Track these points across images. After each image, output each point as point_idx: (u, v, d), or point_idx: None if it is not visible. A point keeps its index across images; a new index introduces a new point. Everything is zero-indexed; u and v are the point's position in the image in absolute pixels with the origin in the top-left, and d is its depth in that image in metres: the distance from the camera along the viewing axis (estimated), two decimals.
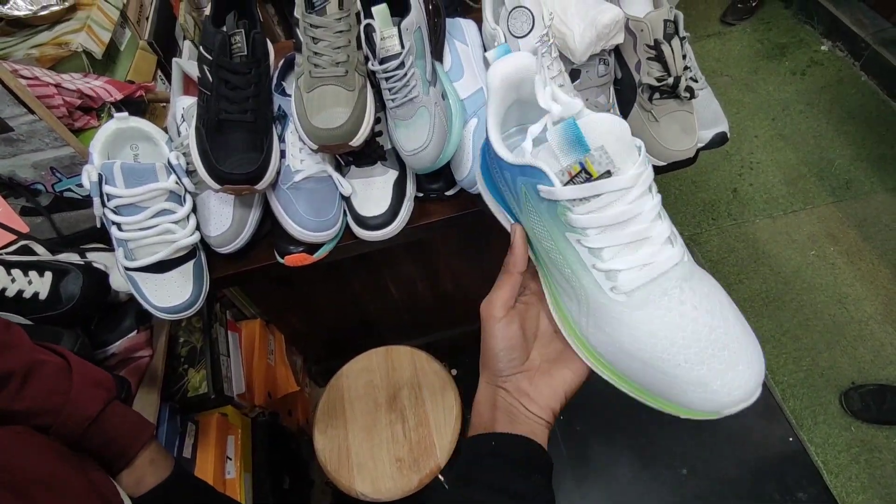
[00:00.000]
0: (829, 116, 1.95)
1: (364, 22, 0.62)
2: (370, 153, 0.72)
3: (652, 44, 0.70)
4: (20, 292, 0.64)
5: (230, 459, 0.97)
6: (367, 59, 0.64)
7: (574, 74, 0.72)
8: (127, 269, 0.66)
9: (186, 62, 0.77)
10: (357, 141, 0.63)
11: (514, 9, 0.68)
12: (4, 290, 0.63)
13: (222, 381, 1.02)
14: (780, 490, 1.31)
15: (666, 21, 0.69)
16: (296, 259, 0.72)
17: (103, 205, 0.64)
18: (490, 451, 0.40)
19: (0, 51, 0.84)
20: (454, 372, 1.23)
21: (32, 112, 0.69)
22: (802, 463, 1.34)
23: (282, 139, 0.70)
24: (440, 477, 1.04)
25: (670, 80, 0.69)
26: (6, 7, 0.86)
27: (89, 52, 0.86)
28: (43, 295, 0.66)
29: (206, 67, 0.64)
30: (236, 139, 0.65)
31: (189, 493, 0.58)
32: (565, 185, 0.35)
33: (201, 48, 0.64)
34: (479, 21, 0.80)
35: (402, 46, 0.62)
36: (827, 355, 1.48)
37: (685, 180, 1.89)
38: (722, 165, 1.91)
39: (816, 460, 1.34)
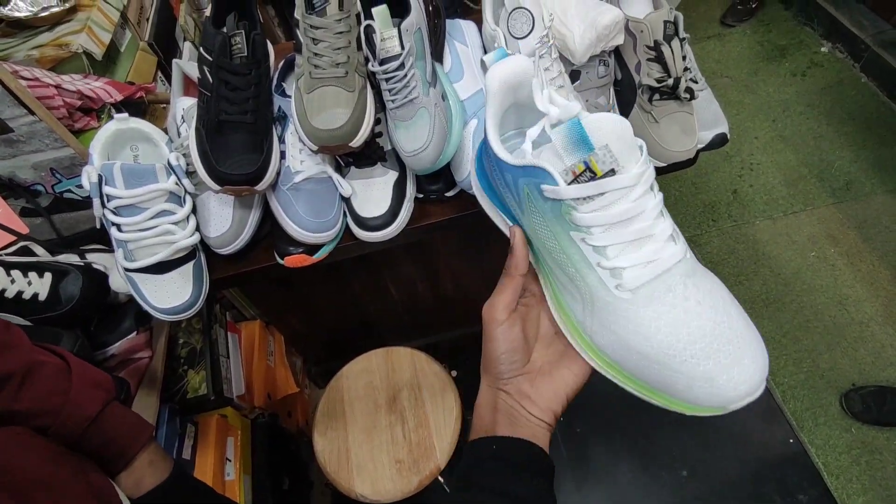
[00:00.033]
0: (830, 118, 1.95)
1: (364, 23, 0.62)
2: (370, 154, 0.72)
3: (652, 45, 0.70)
4: (20, 293, 0.64)
5: (230, 461, 0.97)
6: (367, 60, 0.64)
7: (574, 75, 0.72)
8: (126, 269, 0.66)
9: (186, 63, 0.77)
10: (357, 142, 0.63)
11: (513, 10, 0.68)
12: (4, 291, 0.63)
13: (222, 383, 1.01)
14: (781, 492, 1.31)
15: (666, 22, 0.69)
16: (295, 260, 0.72)
17: (103, 206, 0.64)
18: (491, 455, 0.40)
19: (0, 52, 0.84)
20: (454, 373, 1.23)
21: (32, 113, 0.69)
22: (803, 464, 1.34)
23: (282, 140, 0.70)
24: (440, 478, 1.03)
25: (670, 82, 0.69)
26: (7, 8, 0.87)
27: (89, 53, 0.86)
28: (42, 296, 0.66)
29: (206, 68, 0.64)
30: (236, 140, 0.65)
31: (188, 494, 0.58)
32: (569, 184, 0.35)
33: (201, 49, 0.64)
34: (479, 22, 0.80)
35: (402, 47, 0.62)
36: (827, 357, 1.48)
37: (685, 181, 1.89)
38: (722, 167, 1.91)
39: (817, 462, 1.33)
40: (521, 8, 0.67)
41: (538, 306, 0.45)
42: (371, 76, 0.66)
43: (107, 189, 0.63)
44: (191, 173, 0.69)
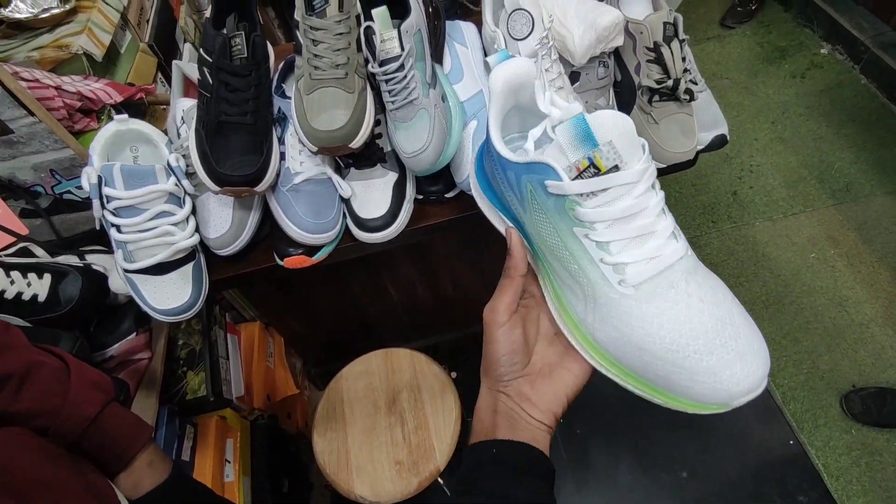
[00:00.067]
0: (829, 119, 1.95)
1: (364, 24, 0.62)
2: (370, 155, 0.72)
3: (651, 46, 0.70)
4: (19, 294, 0.64)
5: (229, 462, 0.97)
6: (366, 61, 0.65)
7: (574, 77, 0.72)
8: (126, 271, 0.66)
9: (186, 64, 0.77)
10: (357, 143, 0.63)
11: (513, 11, 0.68)
12: (3, 291, 0.63)
13: (221, 384, 1.01)
14: (781, 493, 1.31)
15: (665, 24, 0.69)
16: (295, 261, 0.72)
17: (103, 207, 0.64)
18: (491, 459, 0.40)
19: (1, 53, 0.84)
20: (454, 375, 1.23)
21: (32, 114, 0.69)
22: (803, 466, 1.34)
23: (281, 141, 0.71)
24: (439, 480, 1.03)
25: (670, 83, 0.69)
26: (7, 10, 0.87)
27: (90, 54, 0.86)
28: (42, 297, 0.66)
29: (206, 70, 0.64)
30: (236, 141, 0.65)
31: (187, 495, 0.58)
32: (573, 179, 0.35)
33: (201, 51, 0.64)
34: (478, 24, 0.80)
35: (402, 49, 0.62)
36: (827, 358, 1.48)
37: (685, 183, 1.89)
38: (722, 168, 1.91)
39: (817, 463, 1.33)
40: (520, 9, 0.67)
41: (538, 308, 0.45)
42: (371, 77, 0.66)
43: (106, 190, 0.63)
44: (190, 174, 0.69)
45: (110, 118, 0.81)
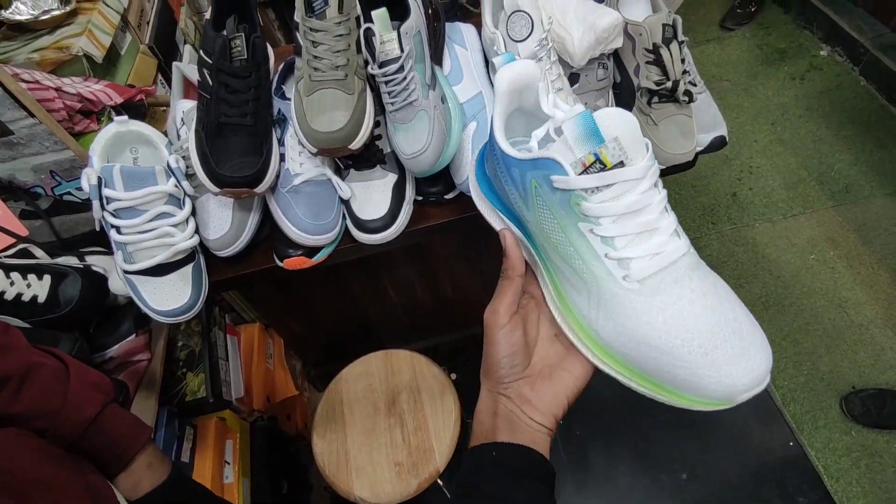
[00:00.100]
0: (829, 121, 1.95)
1: (364, 26, 0.62)
2: (369, 157, 0.72)
3: (650, 48, 0.70)
4: (19, 295, 0.64)
5: (228, 464, 0.97)
6: (366, 62, 0.65)
7: (573, 78, 0.72)
8: (126, 272, 0.66)
9: (187, 66, 0.77)
10: (356, 144, 0.63)
11: (512, 13, 0.68)
12: (3, 293, 0.63)
13: (221, 386, 1.01)
14: (781, 495, 1.30)
15: (664, 25, 0.69)
16: (295, 262, 0.72)
17: (102, 208, 0.64)
18: (491, 462, 0.40)
19: (1, 55, 0.84)
20: (454, 376, 1.23)
21: (33, 116, 0.69)
22: (803, 467, 1.34)
23: (281, 143, 0.71)
24: (439, 481, 1.03)
25: (669, 84, 0.70)
26: (8, 11, 0.87)
27: (90, 56, 0.86)
28: (41, 298, 0.66)
29: (206, 71, 0.64)
30: (236, 142, 0.65)
31: (186, 496, 0.58)
32: (579, 174, 0.36)
33: (201, 52, 0.64)
34: (478, 25, 0.80)
35: (402, 50, 0.62)
36: (827, 359, 1.47)
37: (685, 185, 1.89)
38: (721, 170, 1.91)
39: (817, 465, 1.33)
40: (520, 11, 0.67)
41: (537, 309, 0.45)
42: (370, 79, 0.66)
43: (106, 191, 0.63)
44: (190, 175, 0.69)
45: (110, 120, 0.81)
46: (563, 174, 0.36)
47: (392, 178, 0.73)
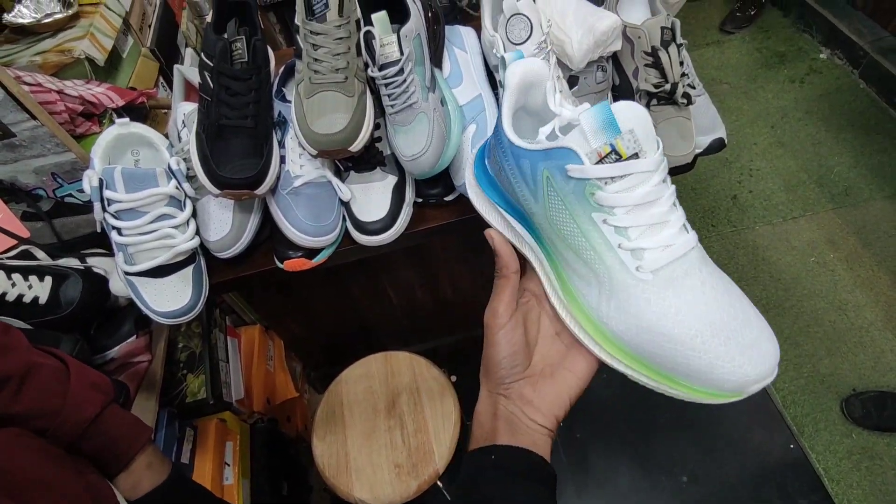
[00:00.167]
0: (828, 124, 1.96)
1: (364, 29, 0.63)
2: (369, 159, 0.72)
3: (649, 51, 0.70)
4: (20, 297, 0.64)
5: (228, 465, 0.97)
6: (366, 65, 0.65)
7: (572, 81, 0.73)
8: (126, 273, 0.67)
9: (188, 69, 0.77)
10: (356, 146, 0.64)
11: (512, 16, 0.68)
12: (5, 294, 0.63)
13: (221, 387, 1.02)
14: (781, 497, 1.30)
15: (663, 28, 0.69)
16: (295, 264, 0.72)
17: (104, 209, 0.64)
18: (491, 465, 0.40)
19: (4, 58, 0.85)
20: (454, 378, 1.23)
21: (35, 118, 0.69)
22: (803, 470, 1.33)
23: (282, 145, 0.71)
24: (439, 483, 1.03)
25: (667, 87, 0.70)
26: (11, 15, 0.87)
27: (92, 59, 0.87)
28: (43, 299, 0.66)
29: (207, 74, 0.64)
30: (236, 144, 0.65)
31: (186, 496, 0.58)
32: (595, 164, 0.36)
33: (203, 55, 0.65)
34: (478, 29, 0.81)
35: (402, 53, 0.63)
36: (827, 362, 1.47)
37: (685, 187, 1.90)
38: (721, 172, 1.91)
39: (817, 467, 1.33)
40: (519, 14, 0.68)
41: (538, 306, 0.45)
42: (370, 81, 0.67)
43: (107, 193, 0.64)
44: (191, 177, 0.69)
45: (112, 122, 0.81)
46: (579, 163, 0.36)
47: (392, 180, 0.73)
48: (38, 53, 0.85)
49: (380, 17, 0.62)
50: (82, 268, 0.73)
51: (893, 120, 1.92)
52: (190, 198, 0.70)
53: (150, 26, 1.10)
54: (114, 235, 0.65)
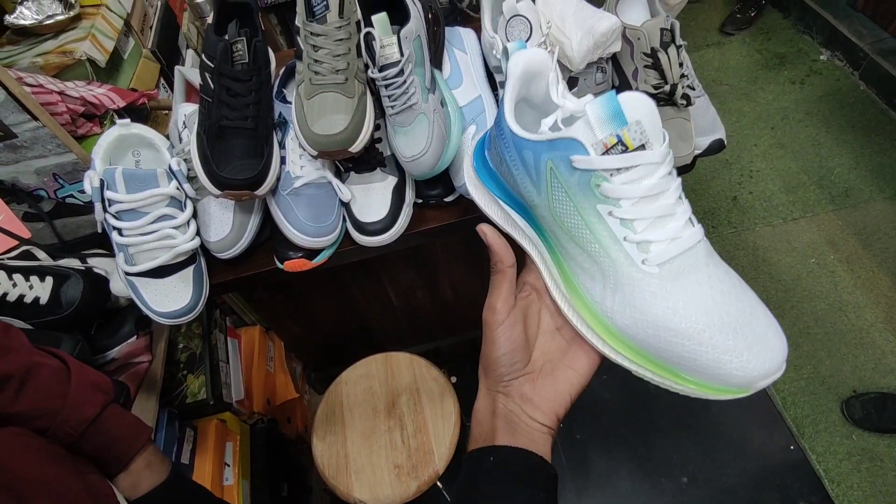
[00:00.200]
0: (829, 125, 1.96)
1: (364, 30, 0.63)
2: (369, 159, 0.72)
3: (649, 52, 0.70)
4: (21, 297, 0.64)
5: (228, 466, 0.97)
6: (366, 66, 0.65)
7: (572, 82, 0.73)
8: (127, 273, 0.67)
9: (189, 70, 0.78)
10: (356, 147, 0.64)
11: (511, 18, 0.69)
12: (6, 294, 0.63)
13: (221, 388, 1.02)
14: (782, 499, 1.30)
15: (662, 30, 0.69)
16: (295, 264, 0.72)
17: (104, 210, 0.65)
18: (491, 466, 0.39)
19: (6, 59, 0.85)
20: (454, 379, 1.23)
21: (36, 119, 0.70)
22: (803, 471, 1.33)
23: (282, 145, 0.71)
24: (438, 484, 1.03)
25: (667, 88, 0.70)
26: (12, 16, 0.88)
27: (93, 60, 0.87)
28: (44, 300, 0.66)
29: (207, 75, 0.64)
30: (237, 145, 0.65)
31: (186, 496, 0.58)
32: (601, 155, 0.35)
33: (203, 56, 0.65)
34: (478, 30, 0.81)
35: (402, 54, 0.63)
36: (828, 363, 1.47)
37: (685, 188, 1.85)
38: (721, 174, 1.92)
39: (818, 469, 1.33)
40: (518, 16, 0.68)
41: (538, 301, 0.44)
42: (371, 82, 0.67)
43: (108, 193, 0.64)
44: (192, 178, 0.70)
45: (113, 123, 0.81)
46: (585, 154, 0.36)
47: (392, 180, 0.73)
48: (40, 55, 0.86)
49: (380, 19, 0.63)
50: (83, 268, 0.73)
51: (893, 121, 1.92)
52: (190, 198, 0.70)
53: (151, 28, 1.10)
54: (114, 236, 0.66)
